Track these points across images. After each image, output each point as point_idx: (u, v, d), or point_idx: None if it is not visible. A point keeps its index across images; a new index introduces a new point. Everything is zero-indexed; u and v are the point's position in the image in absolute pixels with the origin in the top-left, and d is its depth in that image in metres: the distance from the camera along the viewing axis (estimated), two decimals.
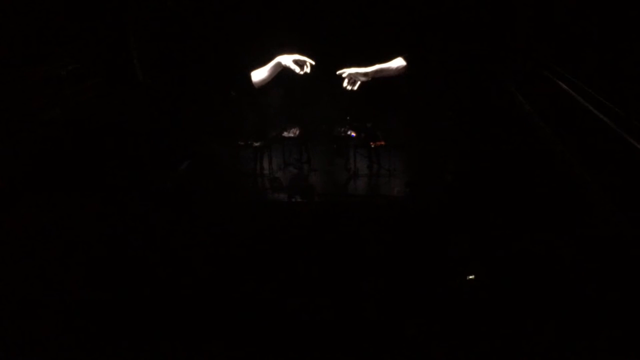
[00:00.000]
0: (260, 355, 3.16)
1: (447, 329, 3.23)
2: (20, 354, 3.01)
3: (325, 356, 3.16)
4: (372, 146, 5.79)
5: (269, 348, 3.18)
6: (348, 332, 3.29)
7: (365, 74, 4.04)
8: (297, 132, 6.10)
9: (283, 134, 6.08)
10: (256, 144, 5.88)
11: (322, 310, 3.46)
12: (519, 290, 3.39)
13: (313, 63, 3.74)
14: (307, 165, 6.21)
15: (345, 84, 4.04)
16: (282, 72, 3.97)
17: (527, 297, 3.31)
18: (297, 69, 3.69)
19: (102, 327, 3.29)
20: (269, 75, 3.82)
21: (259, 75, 3.84)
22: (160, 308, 3.50)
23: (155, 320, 3.40)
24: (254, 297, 3.61)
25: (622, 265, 2.81)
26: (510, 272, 3.57)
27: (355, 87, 4.15)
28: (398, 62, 4.12)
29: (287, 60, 3.68)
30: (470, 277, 3.67)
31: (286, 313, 3.46)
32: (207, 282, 3.78)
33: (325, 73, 4.52)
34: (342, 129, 6.02)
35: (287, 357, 3.16)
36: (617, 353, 2.58)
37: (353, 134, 5.90)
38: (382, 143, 5.70)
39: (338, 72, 3.98)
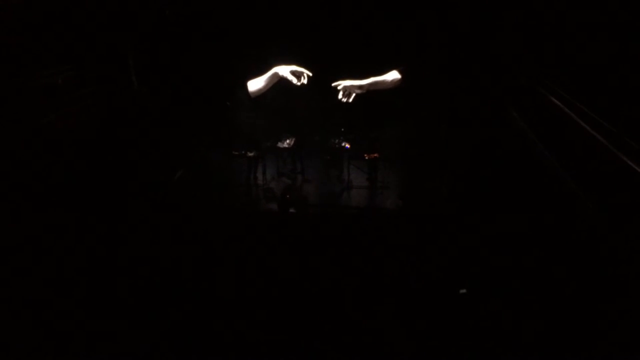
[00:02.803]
0: None
1: (440, 340, 3.23)
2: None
3: None
4: (367, 158, 5.80)
5: (260, 354, 3.17)
6: (341, 343, 3.28)
7: (360, 87, 4.04)
8: (292, 143, 6.10)
9: (277, 145, 6.08)
10: (250, 154, 5.87)
11: (313, 322, 3.45)
12: (514, 301, 3.41)
13: (310, 74, 3.74)
14: (300, 176, 6.21)
15: (340, 96, 4.04)
16: (278, 83, 3.97)
17: (522, 308, 3.33)
18: (294, 80, 3.68)
19: (97, 329, 3.28)
20: (265, 86, 3.81)
21: (255, 85, 3.84)
22: (154, 315, 3.48)
23: (149, 326, 3.39)
24: (247, 307, 3.60)
25: (615, 275, 2.83)
26: (504, 285, 3.58)
27: (350, 100, 4.16)
28: (393, 75, 4.14)
29: (284, 70, 3.68)
30: (462, 290, 3.67)
31: (278, 324, 3.45)
32: (200, 291, 3.76)
33: (320, 84, 4.53)
34: (337, 141, 6.02)
35: None
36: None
37: (347, 145, 5.91)
38: (376, 155, 5.71)
39: (333, 84, 3.99)
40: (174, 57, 5.67)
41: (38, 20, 4.37)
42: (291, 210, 5.29)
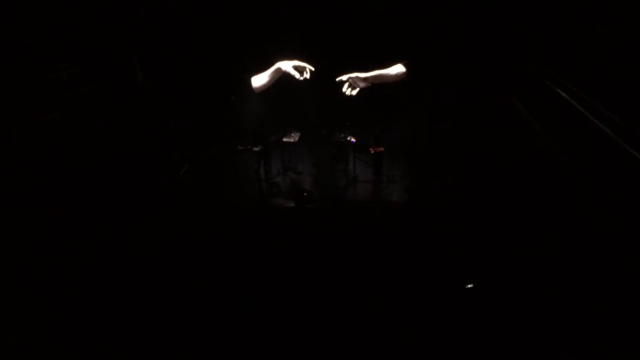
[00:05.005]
0: (260, 356, 3.16)
1: (445, 333, 3.22)
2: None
3: (323, 357, 3.16)
4: (372, 152, 5.78)
5: (268, 349, 3.18)
6: (346, 335, 3.28)
7: (364, 79, 4.03)
8: (297, 137, 6.09)
9: (283, 139, 6.07)
10: (256, 149, 5.86)
11: (321, 313, 3.45)
12: (518, 294, 3.39)
13: (313, 69, 3.73)
14: (307, 170, 6.20)
15: (344, 89, 4.03)
16: (282, 78, 3.96)
17: (525, 301, 3.31)
18: (297, 75, 3.68)
19: (99, 328, 3.30)
20: (269, 81, 3.82)
21: (259, 80, 3.84)
22: (159, 311, 3.50)
23: (152, 323, 3.40)
24: (253, 300, 3.60)
25: (618, 271, 2.81)
26: (509, 277, 3.57)
27: (355, 93, 4.13)
28: (398, 69, 4.11)
29: (287, 66, 3.68)
30: (469, 285, 3.66)
31: (285, 316, 3.46)
32: (206, 285, 3.78)
33: (325, 79, 4.50)
34: (342, 135, 6.00)
35: (287, 357, 3.16)
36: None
37: (353, 139, 5.88)
38: (382, 149, 5.68)
39: (338, 79, 3.98)
40: (179, 52, 5.67)
41: (43, 17, 4.38)
42: (297, 204, 5.28)
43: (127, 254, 4.07)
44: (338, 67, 4.25)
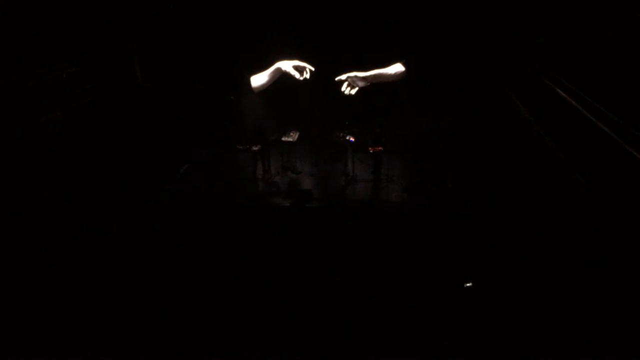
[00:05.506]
0: (258, 354, 3.17)
1: (445, 331, 3.23)
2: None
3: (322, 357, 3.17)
4: (371, 151, 5.78)
5: (266, 347, 3.18)
6: (345, 334, 3.28)
7: (363, 79, 4.05)
8: (296, 137, 6.09)
9: (282, 138, 6.07)
10: (255, 148, 5.86)
11: (318, 313, 3.46)
12: (517, 292, 3.40)
13: (313, 69, 3.75)
14: (306, 170, 6.20)
15: (343, 88, 4.04)
16: (282, 77, 3.96)
17: (524, 298, 3.32)
18: (296, 75, 3.70)
19: (101, 325, 3.31)
20: (269, 80, 3.84)
21: (258, 80, 3.86)
22: (159, 307, 3.50)
23: (152, 319, 3.40)
24: (252, 299, 3.61)
25: (618, 267, 2.82)
26: (508, 277, 3.58)
27: (354, 92, 4.14)
28: (397, 68, 4.13)
29: (287, 65, 3.70)
30: (468, 284, 3.67)
31: (283, 314, 3.46)
32: (205, 283, 3.78)
33: (324, 78, 4.51)
34: (341, 134, 6.00)
35: (285, 356, 3.17)
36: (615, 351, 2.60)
37: (352, 139, 5.88)
38: (381, 148, 5.68)
39: (337, 78, 3.99)
40: (178, 52, 5.66)
41: (41, 17, 4.37)
42: (295, 203, 5.28)
43: (126, 253, 4.08)
44: (337, 67, 4.25)
